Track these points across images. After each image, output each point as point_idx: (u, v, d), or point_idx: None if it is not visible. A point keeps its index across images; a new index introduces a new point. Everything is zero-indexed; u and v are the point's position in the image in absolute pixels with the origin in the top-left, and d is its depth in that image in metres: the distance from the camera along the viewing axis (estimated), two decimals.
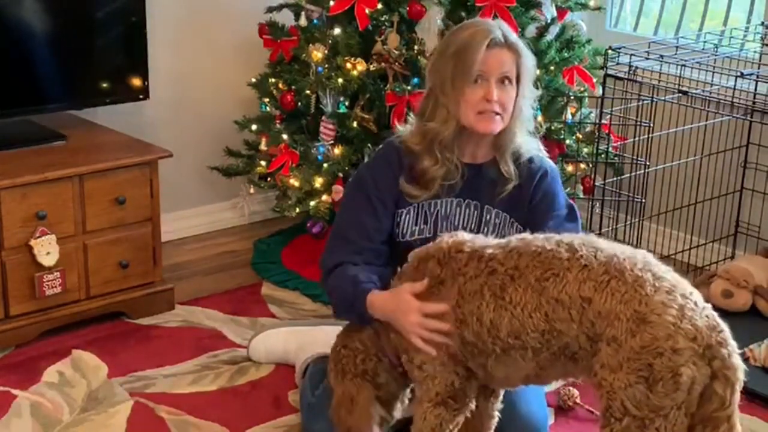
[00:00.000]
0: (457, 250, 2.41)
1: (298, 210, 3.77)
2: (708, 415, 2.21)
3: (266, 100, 3.91)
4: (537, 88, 2.77)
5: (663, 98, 3.45)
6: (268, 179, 3.88)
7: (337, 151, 3.62)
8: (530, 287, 2.28)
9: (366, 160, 3.39)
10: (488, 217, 2.68)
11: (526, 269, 2.30)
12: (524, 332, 2.28)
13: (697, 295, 2.25)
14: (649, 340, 2.15)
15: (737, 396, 2.24)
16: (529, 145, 2.68)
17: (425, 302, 2.41)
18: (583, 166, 3.79)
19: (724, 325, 2.23)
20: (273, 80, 3.86)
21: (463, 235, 2.46)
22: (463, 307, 2.35)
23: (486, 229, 2.67)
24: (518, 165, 2.66)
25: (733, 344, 2.22)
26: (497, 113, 2.54)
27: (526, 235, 2.41)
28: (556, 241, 2.33)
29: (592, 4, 3.84)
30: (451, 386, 2.43)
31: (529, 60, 2.60)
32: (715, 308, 3.64)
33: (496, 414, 2.61)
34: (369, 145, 3.59)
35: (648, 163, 3.49)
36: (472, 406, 2.50)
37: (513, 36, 2.59)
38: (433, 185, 2.62)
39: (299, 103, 3.77)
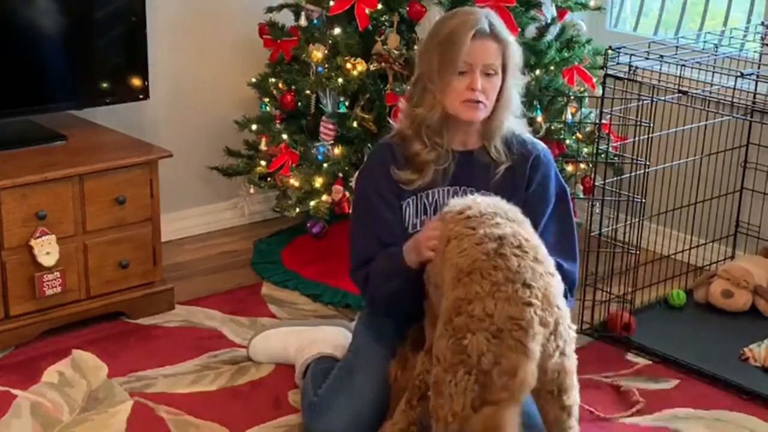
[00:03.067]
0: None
1: (298, 210, 3.77)
2: (478, 394, 2.27)
3: (266, 100, 3.91)
4: (523, 74, 2.86)
5: (663, 98, 3.45)
6: (268, 179, 3.87)
7: (337, 151, 3.62)
8: (441, 220, 2.53)
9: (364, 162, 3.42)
10: None
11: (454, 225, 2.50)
12: (430, 265, 2.53)
13: (535, 290, 2.29)
14: (457, 297, 2.30)
15: (515, 393, 2.24)
16: (517, 127, 2.78)
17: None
18: (583, 166, 3.79)
19: (533, 325, 2.25)
20: (273, 80, 3.86)
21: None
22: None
23: None
24: (509, 146, 2.76)
25: (528, 346, 2.24)
26: (481, 102, 2.64)
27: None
28: (493, 208, 2.49)
29: (592, 4, 3.84)
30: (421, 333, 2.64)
31: (514, 49, 2.69)
32: (716, 308, 3.69)
33: None
34: (369, 145, 3.59)
35: (648, 163, 3.49)
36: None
37: (499, 26, 2.68)
38: (427, 169, 2.73)
39: (299, 103, 3.76)
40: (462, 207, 2.52)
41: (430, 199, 2.77)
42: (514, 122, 2.78)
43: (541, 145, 2.84)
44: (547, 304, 2.30)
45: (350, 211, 2.97)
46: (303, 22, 3.79)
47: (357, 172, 3.25)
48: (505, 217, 2.46)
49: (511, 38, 2.70)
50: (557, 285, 2.37)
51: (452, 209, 2.53)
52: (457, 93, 2.64)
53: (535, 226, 2.56)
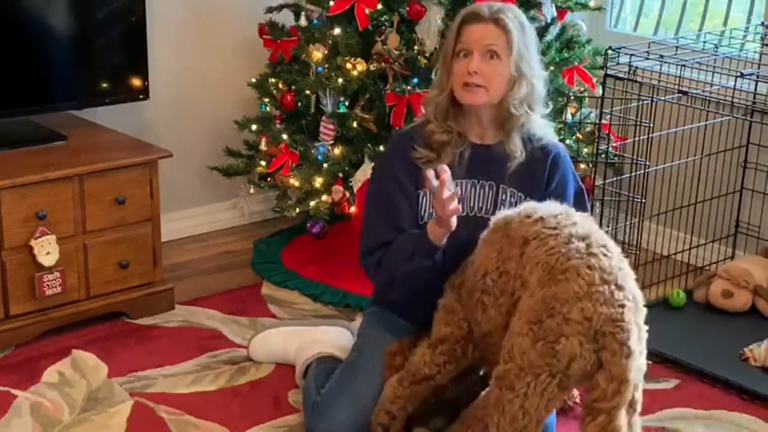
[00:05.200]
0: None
1: (298, 210, 3.77)
2: (589, 403, 2.26)
3: (266, 100, 3.91)
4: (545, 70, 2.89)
5: (663, 98, 3.45)
6: (268, 179, 3.87)
7: (337, 151, 3.62)
8: (499, 230, 2.47)
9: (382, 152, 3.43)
10: (503, 196, 2.78)
11: (497, 223, 2.51)
12: (488, 273, 2.44)
13: (627, 291, 2.29)
14: (550, 297, 2.25)
15: (625, 395, 2.25)
16: (540, 129, 2.80)
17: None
18: (583, 166, 3.79)
19: (632, 327, 2.26)
20: (273, 80, 3.86)
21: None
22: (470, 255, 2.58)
23: (502, 208, 2.75)
24: (527, 143, 2.78)
25: (632, 347, 2.24)
26: (480, 86, 2.67)
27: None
28: (559, 209, 2.49)
29: (592, 4, 3.84)
30: (450, 335, 2.59)
31: (521, 35, 2.69)
32: (716, 308, 3.69)
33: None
34: (369, 145, 3.59)
35: (648, 163, 3.49)
36: (449, 377, 2.65)
37: (505, 14, 2.69)
38: (443, 152, 2.75)
39: (299, 103, 3.76)
40: (527, 212, 2.48)
41: None
42: (536, 122, 2.78)
43: (559, 145, 2.86)
44: (636, 305, 2.31)
45: (366, 195, 2.96)
46: (303, 22, 3.80)
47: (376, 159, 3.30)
48: (574, 217, 2.44)
49: (515, 23, 2.69)
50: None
51: (512, 217, 2.49)
52: (457, 76, 2.70)
53: None
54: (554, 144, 2.83)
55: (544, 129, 2.82)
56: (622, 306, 2.25)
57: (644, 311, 2.34)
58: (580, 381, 2.29)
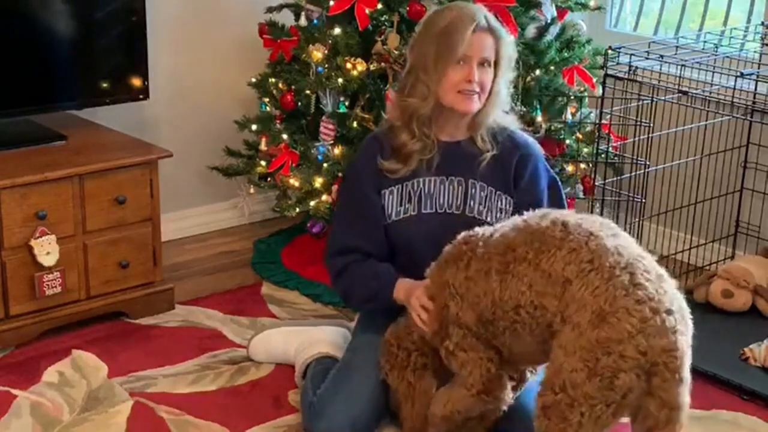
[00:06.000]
0: (465, 242, 2.57)
1: (298, 210, 3.77)
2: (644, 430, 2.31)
3: (266, 100, 3.91)
4: (516, 70, 2.92)
5: (663, 98, 3.45)
6: (268, 179, 3.88)
7: (337, 151, 3.62)
8: (527, 262, 2.41)
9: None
10: (473, 191, 2.80)
11: (524, 245, 2.43)
12: (521, 306, 2.41)
13: (675, 315, 2.30)
14: (604, 338, 2.26)
15: (679, 423, 2.30)
16: (504, 120, 2.83)
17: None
18: (583, 166, 3.79)
19: (684, 352, 2.29)
20: (273, 80, 3.86)
21: (476, 230, 2.61)
22: (476, 288, 2.49)
23: (472, 203, 2.80)
24: (495, 137, 2.80)
25: (684, 374, 2.29)
26: (476, 93, 2.69)
27: (528, 215, 2.53)
28: (551, 219, 2.46)
29: (592, 4, 3.84)
30: (487, 373, 2.55)
31: (508, 44, 2.76)
32: (716, 308, 3.69)
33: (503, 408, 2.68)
34: (362, 142, 3.59)
35: (648, 163, 3.49)
36: (509, 400, 2.63)
37: (495, 21, 2.75)
38: (411, 160, 2.77)
39: (299, 103, 3.76)
40: (560, 235, 2.40)
41: (415, 187, 2.80)
42: (501, 116, 2.82)
43: (528, 138, 2.89)
44: (684, 324, 2.33)
45: (338, 194, 3.02)
46: (303, 22, 3.80)
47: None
48: (602, 239, 2.39)
49: (505, 34, 2.76)
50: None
51: (547, 238, 2.41)
52: (453, 83, 2.69)
53: None
54: (523, 136, 2.86)
55: (509, 121, 2.85)
56: (675, 332, 2.28)
57: (692, 326, 2.37)
58: (634, 407, 2.32)
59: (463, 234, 2.61)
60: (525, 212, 2.56)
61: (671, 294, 2.34)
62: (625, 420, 2.50)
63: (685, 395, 2.30)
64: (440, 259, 2.62)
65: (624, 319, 2.26)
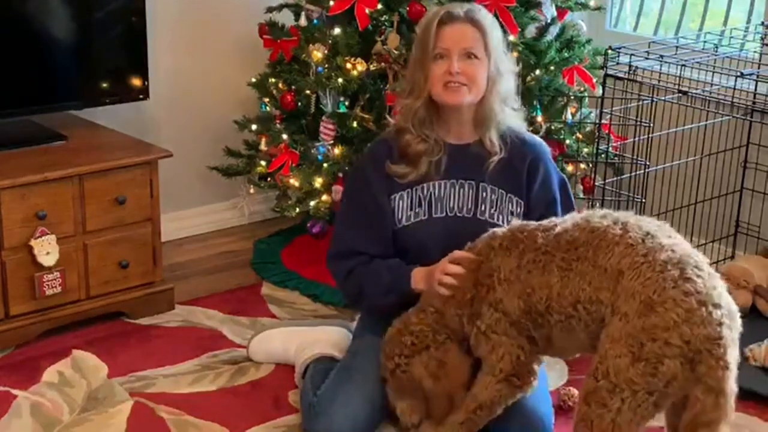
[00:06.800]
0: (521, 230, 2.59)
1: (298, 210, 3.77)
2: (690, 421, 2.32)
3: (266, 100, 3.91)
4: (516, 65, 2.95)
5: (663, 98, 3.45)
6: (268, 179, 3.87)
7: (337, 151, 3.62)
8: (588, 261, 2.45)
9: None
10: (484, 194, 2.80)
11: (586, 244, 2.47)
12: (580, 302, 2.45)
13: (723, 310, 2.34)
14: (650, 325, 2.30)
15: (725, 409, 2.31)
16: (512, 120, 2.82)
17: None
18: (583, 166, 3.79)
19: (729, 342, 2.32)
20: (273, 80, 3.86)
21: (529, 222, 2.65)
22: (530, 279, 2.51)
23: (483, 206, 2.80)
24: (504, 139, 2.79)
25: (729, 360, 2.32)
26: (463, 84, 2.68)
27: (588, 213, 2.57)
28: (613, 219, 2.50)
29: (592, 4, 3.85)
30: (516, 361, 2.57)
31: (494, 33, 2.73)
32: None
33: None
34: (369, 145, 3.59)
35: (648, 163, 3.49)
36: (535, 384, 2.64)
37: (478, 13, 2.73)
38: (419, 162, 2.76)
39: (299, 103, 3.76)
40: (619, 233, 2.46)
41: (425, 192, 2.80)
42: (510, 116, 2.81)
43: (536, 138, 2.89)
44: (732, 319, 2.36)
45: (341, 196, 3.00)
46: (303, 22, 3.80)
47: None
48: (661, 238, 2.44)
49: (489, 22, 2.74)
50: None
51: (608, 235, 2.46)
52: (436, 78, 2.70)
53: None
54: (532, 137, 2.87)
55: (519, 122, 2.84)
56: (720, 324, 2.31)
57: (740, 327, 2.40)
58: (675, 398, 2.36)
59: (517, 222, 2.65)
60: (551, 215, 2.65)
61: (720, 291, 2.38)
62: (661, 423, 2.54)
63: (731, 383, 2.32)
64: (488, 240, 2.61)
65: (671, 309, 2.30)
